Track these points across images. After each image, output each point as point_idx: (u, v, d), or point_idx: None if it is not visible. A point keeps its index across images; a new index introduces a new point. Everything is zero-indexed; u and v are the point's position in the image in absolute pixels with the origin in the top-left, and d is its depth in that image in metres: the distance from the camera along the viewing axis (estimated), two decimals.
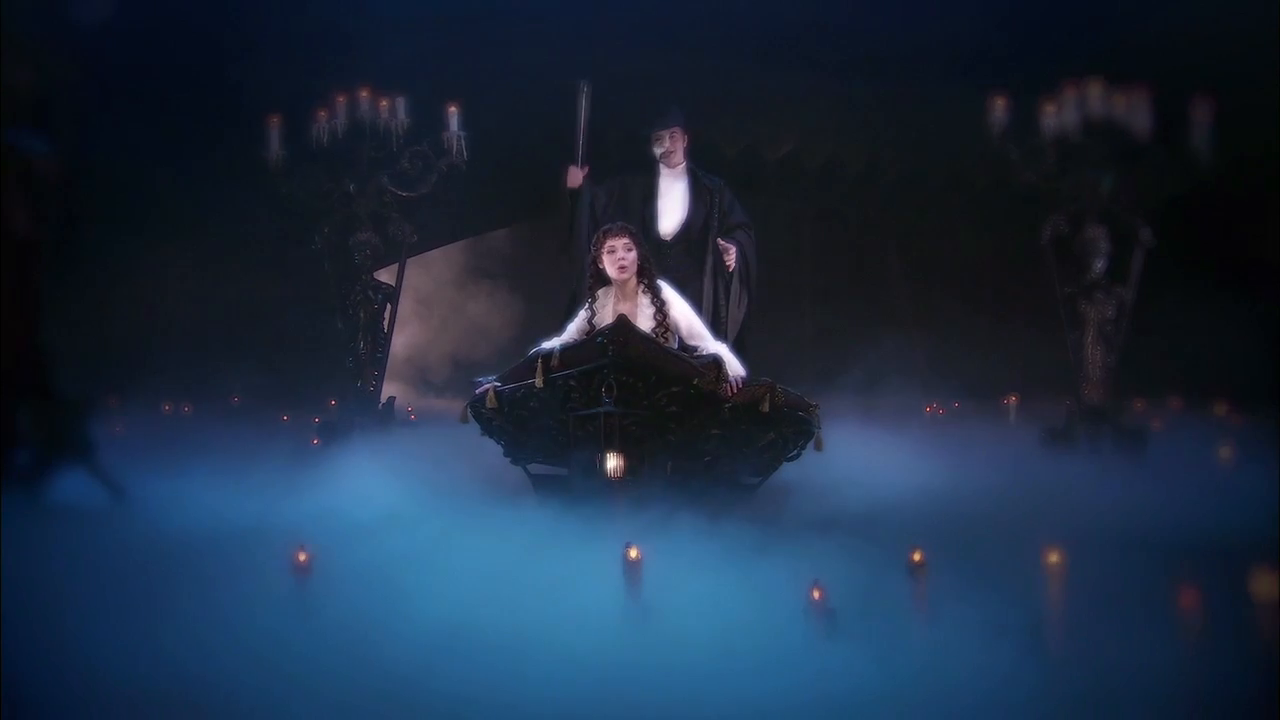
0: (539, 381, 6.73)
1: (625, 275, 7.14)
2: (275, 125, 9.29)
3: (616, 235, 7.20)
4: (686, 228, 8.17)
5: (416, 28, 10.72)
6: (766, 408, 6.76)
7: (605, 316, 7.11)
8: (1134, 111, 8.88)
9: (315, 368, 11.71)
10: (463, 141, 9.35)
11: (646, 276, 7.18)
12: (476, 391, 7.16)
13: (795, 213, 14.02)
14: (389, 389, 10.26)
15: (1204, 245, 10.40)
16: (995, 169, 9.72)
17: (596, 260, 7.23)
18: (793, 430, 6.94)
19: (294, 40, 10.57)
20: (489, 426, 7.11)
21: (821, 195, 13.87)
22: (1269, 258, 10.31)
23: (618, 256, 7.13)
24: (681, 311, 7.15)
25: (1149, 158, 9.03)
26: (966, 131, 9.57)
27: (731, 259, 8.18)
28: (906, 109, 12.10)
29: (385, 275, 9.87)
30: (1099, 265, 9.25)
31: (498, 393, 6.98)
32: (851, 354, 11.88)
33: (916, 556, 5.45)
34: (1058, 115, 9.05)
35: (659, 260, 7.77)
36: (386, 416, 9.79)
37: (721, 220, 8.18)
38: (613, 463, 6.46)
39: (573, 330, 7.24)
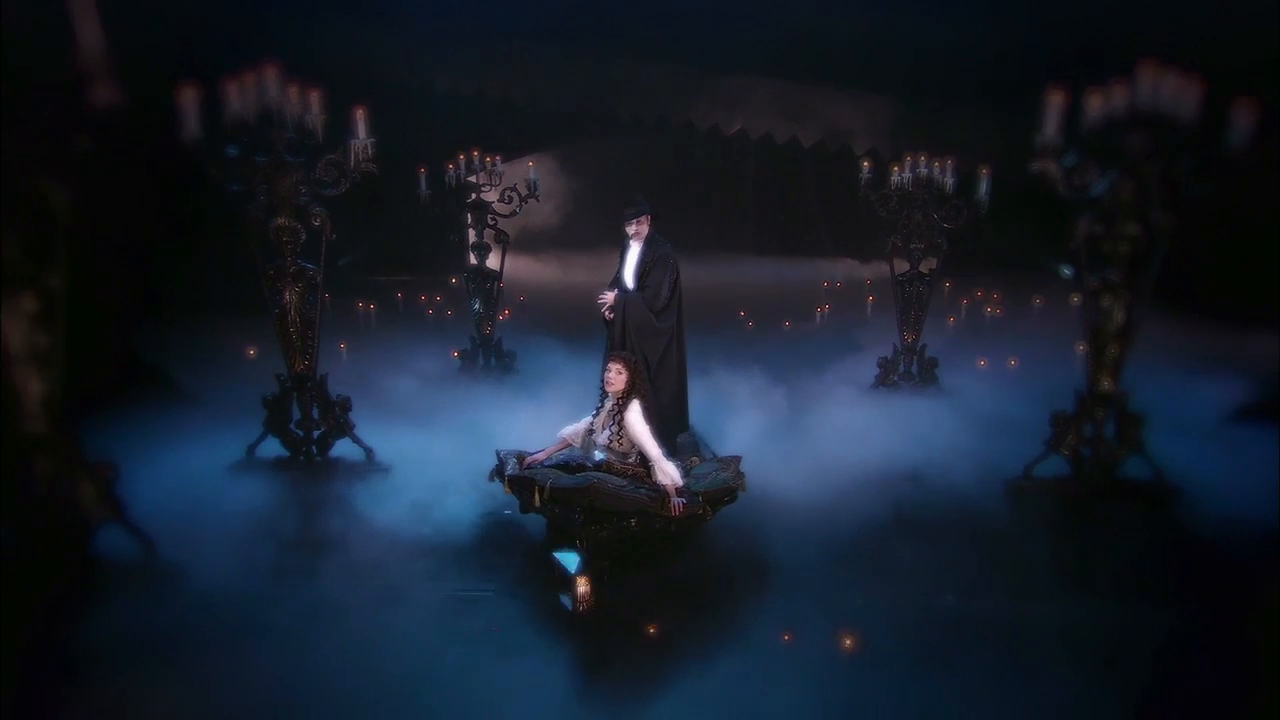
0: (537, 501, 6.69)
1: (613, 390, 7.14)
2: (423, 173, 11.32)
3: (613, 360, 7.24)
4: (639, 278, 8.76)
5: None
6: (704, 514, 6.87)
7: (600, 421, 7.21)
8: (945, 173, 10.52)
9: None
10: (536, 186, 11.41)
11: (625, 399, 7.07)
12: (495, 466, 7.31)
13: (740, 165, 16.80)
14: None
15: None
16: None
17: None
18: (726, 503, 7.10)
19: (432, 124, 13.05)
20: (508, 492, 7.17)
21: (760, 157, 16.37)
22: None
23: (610, 377, 7.17)
24: (638, 435, 6.96)
25: (951, 200, 10.53)
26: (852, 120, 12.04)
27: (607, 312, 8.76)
28: (816, 103, 13.98)
29: (492, 262, 11.74)
30: (920, 264, 10.98)
31: (510, 486, 7.01)
32: (780, 254, 14.99)
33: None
34: (900, 174, 10.65)
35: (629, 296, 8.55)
36: (500, 352, 11.70)
37: (643, 276, 8.72)
38: (582, 589, 6.22)
39: (577, 434, 7.31)
